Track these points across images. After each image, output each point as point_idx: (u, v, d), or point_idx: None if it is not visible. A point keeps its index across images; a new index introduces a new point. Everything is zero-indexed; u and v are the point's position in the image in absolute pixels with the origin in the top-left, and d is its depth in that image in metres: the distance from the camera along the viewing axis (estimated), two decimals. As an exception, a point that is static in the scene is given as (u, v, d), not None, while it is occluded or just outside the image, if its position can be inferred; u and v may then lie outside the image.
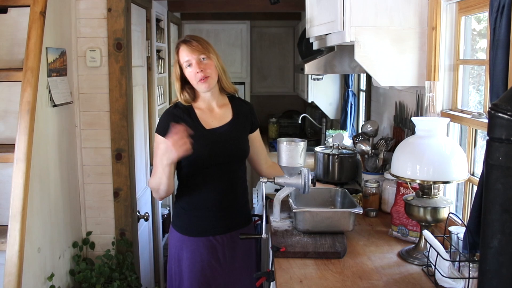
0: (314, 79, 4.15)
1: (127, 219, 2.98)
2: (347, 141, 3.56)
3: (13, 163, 2.13)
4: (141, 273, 3.18)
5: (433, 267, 1.68)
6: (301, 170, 2.13)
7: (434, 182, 1.80)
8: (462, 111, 2.04)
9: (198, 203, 2.16)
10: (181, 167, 2.16)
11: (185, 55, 2.11)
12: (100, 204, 2.97)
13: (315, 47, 2.98)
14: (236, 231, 2.21)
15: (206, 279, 2.16)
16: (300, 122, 5.08)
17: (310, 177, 2.11)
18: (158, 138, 2.16)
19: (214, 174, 2.15)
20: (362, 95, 3.81)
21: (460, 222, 1.92)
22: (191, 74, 2.12)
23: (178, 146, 1.93)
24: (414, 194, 1.92)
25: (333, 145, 3.22)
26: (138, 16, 3.41)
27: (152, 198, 3.79)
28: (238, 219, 2.25)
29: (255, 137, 2.36)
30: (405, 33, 2.12)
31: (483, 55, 1.98)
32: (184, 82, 2.17)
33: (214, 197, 2.15)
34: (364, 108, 3.67)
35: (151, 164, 3.64)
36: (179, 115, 2.15)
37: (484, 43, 2.01)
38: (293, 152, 2.09)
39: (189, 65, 2.12)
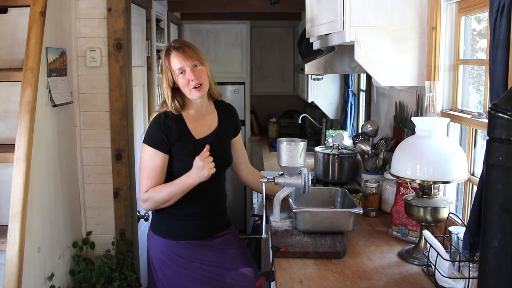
0: (314, 79, 4.15)
1: (127, 219, 2.98)
2: (347, 141, 3.56)
3: (13, 163, 2.13)
4: (141, 273, 3.18)
5: (433, 267, 1.68)
6: (301, 170, 2.13)
7: (434, 182, 1.80)
8: (462, 111, 2.04)
9: (185, 210, 2.15)
10: (173, 177, 2.11)
11: (178, 62, 2.06)
12: (100, 204, 2.97)
13: (315, 47, 2.98)
14: (220, 233, 2.23)
15: (198, 279, 2.15)
16: (300, 122, 5.07)
17: (310, 177, 2.11)
18: (149, 150, 2.09)
19: (201, 184, 2.13)
20: (362, 95, 3.81)
21: (460, 222, 1.92)
22: (184, 81, 2.07)
23: (209, 166, 1.99)
24: (414, 194, 1.92)
25: (333, 145, 3.22)
26: (138, 16, 3.41)
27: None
28: (221, 223, 2.26)
29: (237, 141, 2.36)
30: (405, 33, 2.12)
31: (483, 55, 1.98)
32: (174, 90, 2.12)
33: (200, 205, 2.14)
34: (364, 108, 3.67)
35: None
36: (170, 125, 2.10)
37: (484, 43, 2.01)
38: (293, 152, 2.09)
39: (181, 73, 2.07)
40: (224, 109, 2.30)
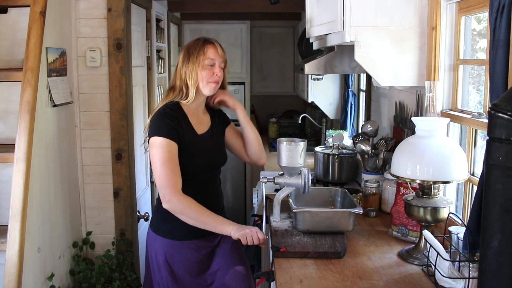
0: (314, 79, 4.15)
1: (127, 219, 2.98)
2: (347, 141, 3.56)
3: (13, 163, 2.13)
4: (141, 273, 3.18)
5: (433, 267, 1.68)
6: (301, 170, 2.13)
7: (434, 182, 1.80)
8: (462, 111, 2.04)
9: None
10: None
11: (213, 54, 2.11)
12: (100, 204, 2.97)
13: (315, 47, 2.98)
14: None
15: (196, 283, 2.14)
16: (300, 122, 5.07)
17: (310, 177, 2.11)
18: (160, 141, 2.01)
19: (201, 181, 2.14)
20: (362, 95, 3.81)
21: (460, 222, 1.92)
22: (209, 73, 2.10)
23: (250, 235, 1.94)
24: (414, 194, 1.92)
25: (333, 145, 3.22)
26: (138, 16, 3.41)
27: (152, 198, 3.79)
28: None
29: (232, 127, 2.35)
30: (405, 33, 2.12)
31: (483, 55, 1.98)
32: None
33: (200, 202, 2.07)
34: (364, 108, 3.67)
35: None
36: (177, 116, 2.08)
37: (484, 43, 2.01)
38: (293, 152, 2.09)
39: (211, 65, 2.10)
40: (213, 109, 2.30)
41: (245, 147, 2.34)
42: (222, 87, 2.23)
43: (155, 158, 2.02)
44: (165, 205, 2.01)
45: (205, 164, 2.14)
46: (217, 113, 2.31)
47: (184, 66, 2.12)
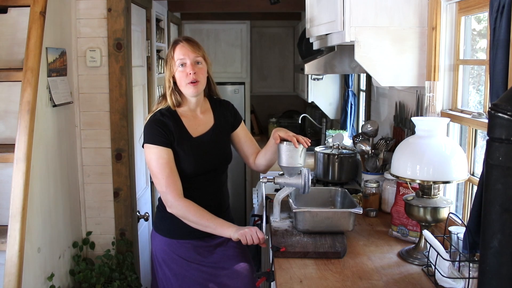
0: (314, 79, 4.16)
1: (127, 219, 2.98)
2: (347, 141, 3.56)
3: (13, 163, 2.13)
4: (141, 273, 3.18)
5: (433, 267, 1.68)
6: (301, 170, 2.13)
7: (434, 182, 1.80)
8: (462, 111, 2.04)
9: None
10: None
11: (181, 53, 2.05)
12: (100, 204, 2.97)
13: (315, 47, 2.98)
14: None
15: (196, 281, 2.14)
16: (300, 122, 5.07)
17: (310, 177, 2.11)
18: (153, 148, 2.04)
19: (201, 182, 2.13)
20: (362, 95, 3.81)
21: (460, 222, 1.92)
22: (182, 74, 2.06)
23: (250, 235, 1.94)
24: (414, 194, 1.92)
25: (333, 145, 3.22)
26: (138, 16, 3.41)
27: (152, 198, 3.79)
28: None
29: (240, 131, 2.29)
30: (405, 33, 2.12)
31: (483, 55, 1.98)
32: (175, 83, 2.10)
33: (200, 203, 2.07)
34: (364, 108, 3.67)
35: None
36: (167, 121, 2.07)
37: (484, 43, 2.01)
38: (293, 152, 2.09)
39: (181, 64, 2.06)
40: (219, 107, 2.27)
41: (256, 155, 2.28)
42: (209, 84, 2.19)
43: (151, 165, 2.06)
44: (169, 210, 2.05)
45: (203, 167, 2.12)
46: (223, 111, 2.26)
47: (165, 74, 2.13)
